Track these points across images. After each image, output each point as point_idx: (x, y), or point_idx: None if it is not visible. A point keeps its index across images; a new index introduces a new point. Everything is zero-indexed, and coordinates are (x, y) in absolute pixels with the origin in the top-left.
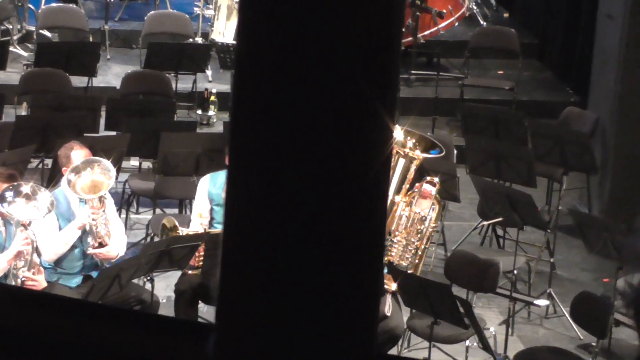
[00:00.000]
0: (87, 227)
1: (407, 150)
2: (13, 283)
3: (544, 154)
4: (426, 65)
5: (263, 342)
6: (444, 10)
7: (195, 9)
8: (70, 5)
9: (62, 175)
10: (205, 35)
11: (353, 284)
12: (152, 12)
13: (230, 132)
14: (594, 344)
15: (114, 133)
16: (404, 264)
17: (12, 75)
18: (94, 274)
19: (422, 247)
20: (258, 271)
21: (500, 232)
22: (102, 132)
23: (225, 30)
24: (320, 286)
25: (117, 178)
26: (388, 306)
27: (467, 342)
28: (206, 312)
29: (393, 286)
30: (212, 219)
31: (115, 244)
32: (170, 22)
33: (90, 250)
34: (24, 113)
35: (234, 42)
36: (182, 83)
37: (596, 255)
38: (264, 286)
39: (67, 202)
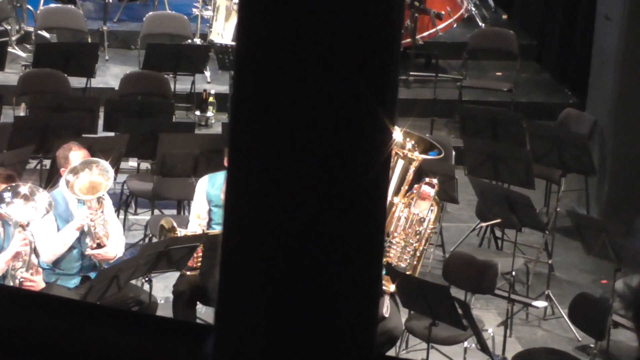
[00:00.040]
0: (86, 228)
1: (406, 151)
2: (11, 284)
3: (542, 156)
4: (425, 67)
5: (262, 342)
6: (443, 12)
7: (194, 10)
8: (69, 6)
9: (61, 176)
10: (203, 36)
11: (353, 284)
12: (150, 13)
13: (230, 132)
14: (592, 345)
15: (112, 134)
16: (403, 265)
17: (10, 76)
18: (93, 274)
19: (421, 248)
20: (258, 271)
21: (498, 233)
22: (101, 133)
23: (223, 31)
24: (320, 286)
25: (115, 179)
26: (386, 307)
27: (466, 344)
28: (204, 313)
29: (391, 287)
30: (210, 220)
31: (114, 245)
32: (168, 23)
33: (88, 251)
34: (22, 114)
35: (233, 43)
36: (181, 84)
37: (594, 257)
38: (264, 286)
39: (65, 203)
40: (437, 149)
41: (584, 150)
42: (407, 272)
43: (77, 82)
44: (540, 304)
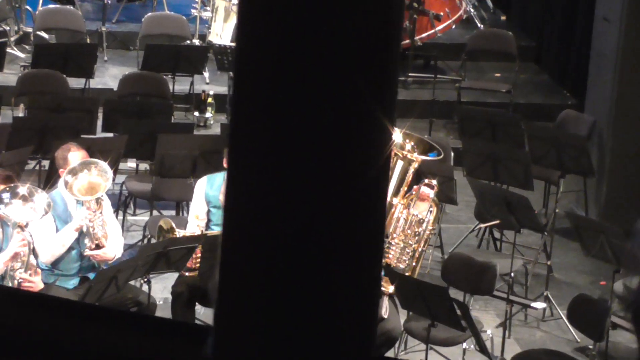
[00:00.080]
0: (84, 229)
1: (405, 152)
2: (10, 284)
3: (541, 157)
4: (423, 68)
5: (262, 342)
6: (442, 13)
7: (193, 10)
8: (68, 6)
9: (59, 176)
10: (202, 37)
11: (352, 284)
12: (149, 13)
13: (229, 132)
14: (590, 346)
15: (111, 135)
16: (402, 266)
17: (9, 76)
18: (91, 275)
19: (420, 249)
20: (257, 271)
21: (497, 234)
22: (100, 134)
23: (222, 32)
24: (319, 287)
25: (114, 180)
26: (385, 308)
27: (464, 345)
28: (203, 314)
29: (390, 288)
30: (209, 220)
31: (112, 246)
32: (167, 24)
33: (87, 252)
34: (21, 114)
35: (232, 44)
36: (180, 85)
37: (593, 258)
38: (263, 286)
39: (64, 204)
40: (436, 151)
41: (583, 151)
42: (406, 273)
43: (75, 82)
44: (539, 305)
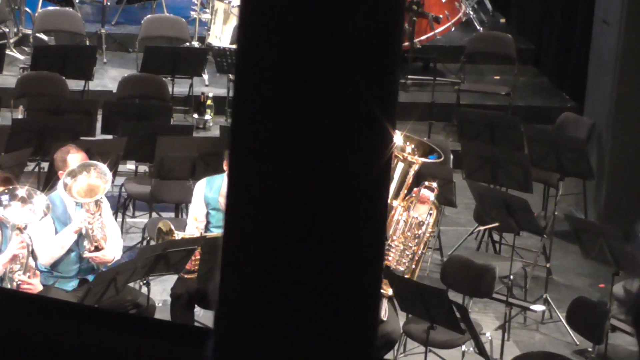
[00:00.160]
0: (84, 231)
1: (406, 154)
2: (9, 286)
3: (540, 160)
4: (422, 70)
5: (263, 344)
6: (441, 15)
7: (192, 13)
8: (67, 8)
9: (59, 178)
10: (201, 39)
11: (353, 286)
12: (148, 15)
13: (230, 133)
14: (590, 349)
15: (110, 137)
16: (401, 268)
17: (8, 78)
18: (90, 277)
19: (419, 252)
20: (258, 272)
21: (496, 237)
22: (99, 136)
23: (222, 34)
24: (320, 288)
25: (113, 182)
26: (384, 311)
27: (464, 347)
28: (202, 316)
29: (389, 291)
30: (208, 222)
31: (112, 248)
32: (167, 26)
33: (86, 254)
34: (20, 116)
35: (231, 46)
36: (179, 87)
37: (592, 261)
38: (264, 288)
39: (63, 206)
40: (437, 153)
41: (582, 154)
42: (406, 276)
43: (75, 84)
44: (538, 307)
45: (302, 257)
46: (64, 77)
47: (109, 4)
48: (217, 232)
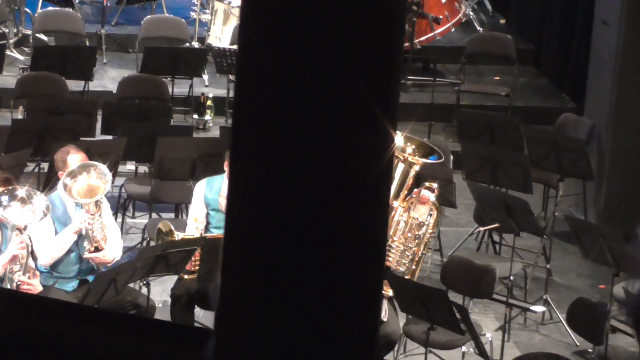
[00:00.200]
0: (84, 232)
1: (406, 155)
2: (8, 287)
3: (540, 160)
4: (422, 71)
5: (264, 344)
6: (441, 16)
7: (192, 13)
8: (67, 9)
9: (59, 179)
10: (201, 39)
11: (354, 286)
12: (148, 16)
13: (231, 134)
14: (590, 350)
15: (110, 137)
16: (401, 269)
17: (8, 78)
18: (90, 278)
19: (420, 253)
20: (259, 273)
21: (496, 238)
22: (99, 136)
23: (222, 35)
24: (321, 288)
25: (113, 182)
26: (384, 311)
27: (464, 348)
28: (202, 316)
29: (390, 292)
30: (208, 223)
31: (111, 248)
32: (166, 27)
33: (86, 255)
34: (20, 117)
35: (231, 46)
36: (179, 87)
37: (592, 262)
38: (265, 288)
39: (63, 206)
40: (437, 154)
41: (582, 154)
42: (406, 277)
43: (74, 85)
44: (538, 308)
45: (302, 257)
46: (63, 78)
47: (108, 4)
48: (217, 232)
